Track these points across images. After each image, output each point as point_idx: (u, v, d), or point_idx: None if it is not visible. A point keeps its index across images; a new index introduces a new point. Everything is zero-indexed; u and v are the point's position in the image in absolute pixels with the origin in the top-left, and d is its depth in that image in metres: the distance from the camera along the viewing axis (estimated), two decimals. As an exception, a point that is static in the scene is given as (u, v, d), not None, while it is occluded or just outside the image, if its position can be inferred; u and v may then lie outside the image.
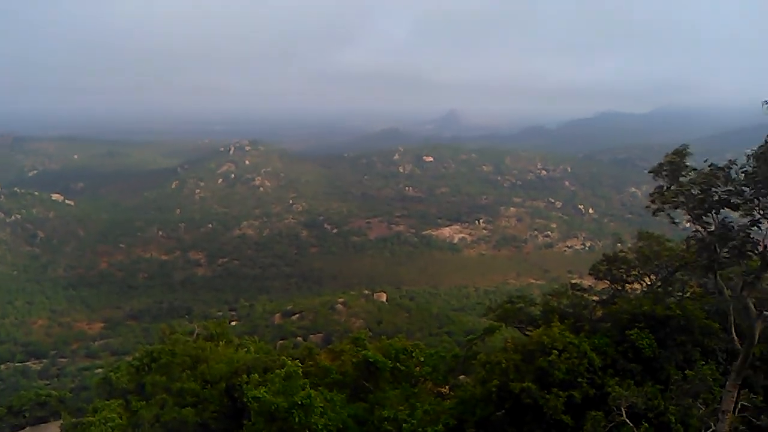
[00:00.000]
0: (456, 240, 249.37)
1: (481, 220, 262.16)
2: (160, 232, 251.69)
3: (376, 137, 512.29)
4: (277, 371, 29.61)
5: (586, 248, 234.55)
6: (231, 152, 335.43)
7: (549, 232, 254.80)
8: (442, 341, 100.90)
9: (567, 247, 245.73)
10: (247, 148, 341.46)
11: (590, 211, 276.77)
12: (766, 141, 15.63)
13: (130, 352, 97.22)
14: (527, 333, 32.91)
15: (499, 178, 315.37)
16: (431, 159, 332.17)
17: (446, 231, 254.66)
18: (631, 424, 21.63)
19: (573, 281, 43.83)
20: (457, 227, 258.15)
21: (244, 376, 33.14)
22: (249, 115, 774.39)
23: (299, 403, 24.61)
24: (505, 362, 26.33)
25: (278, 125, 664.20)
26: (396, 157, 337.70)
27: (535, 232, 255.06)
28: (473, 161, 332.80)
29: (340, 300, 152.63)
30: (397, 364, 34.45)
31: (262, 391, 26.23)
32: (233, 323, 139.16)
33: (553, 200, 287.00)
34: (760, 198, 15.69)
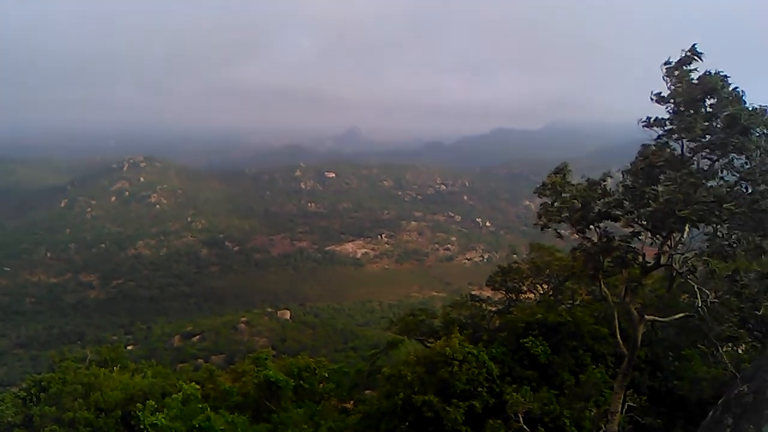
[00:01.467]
0: (359, 255, 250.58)
1: (383, 235, 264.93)
2: (49, 254, 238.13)
3: (278, 153, 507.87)
4: (175, 395, 28.69)
5: (485, 260, 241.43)
6: (125, 169, 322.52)
7: (449, 245, 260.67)
8: (348, 357, 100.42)
9: (466, 259, 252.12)
10: (143, 164, 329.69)
11: (488, 224, 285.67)
12: (637, 157, 16.82)
13: (16, 383, 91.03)
14: (428, 345, 33.47)
15: (400, 192, 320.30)
16: (333, 175, 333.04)
17: (349, 246, 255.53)
18: (528, 430, 22.42)
19: (472, 292, 45.09)
20: (360, 242, 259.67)
21: (140, 403, 31.88)
22: (144, 131, 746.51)
23: (198, 426, 23.96)
24: (410, 375, 26.63)
25: (175, 141, 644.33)
26: (298, 173, 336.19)
27: (436, 246, 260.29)
28: (375, 177, 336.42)
29: (243, 319, 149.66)
30: (301, 382, 34.20)
31: (159, 417, 25.34)
32: (129, 347, 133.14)
33: (452, 214, 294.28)
34: (639, 210, 16.79)
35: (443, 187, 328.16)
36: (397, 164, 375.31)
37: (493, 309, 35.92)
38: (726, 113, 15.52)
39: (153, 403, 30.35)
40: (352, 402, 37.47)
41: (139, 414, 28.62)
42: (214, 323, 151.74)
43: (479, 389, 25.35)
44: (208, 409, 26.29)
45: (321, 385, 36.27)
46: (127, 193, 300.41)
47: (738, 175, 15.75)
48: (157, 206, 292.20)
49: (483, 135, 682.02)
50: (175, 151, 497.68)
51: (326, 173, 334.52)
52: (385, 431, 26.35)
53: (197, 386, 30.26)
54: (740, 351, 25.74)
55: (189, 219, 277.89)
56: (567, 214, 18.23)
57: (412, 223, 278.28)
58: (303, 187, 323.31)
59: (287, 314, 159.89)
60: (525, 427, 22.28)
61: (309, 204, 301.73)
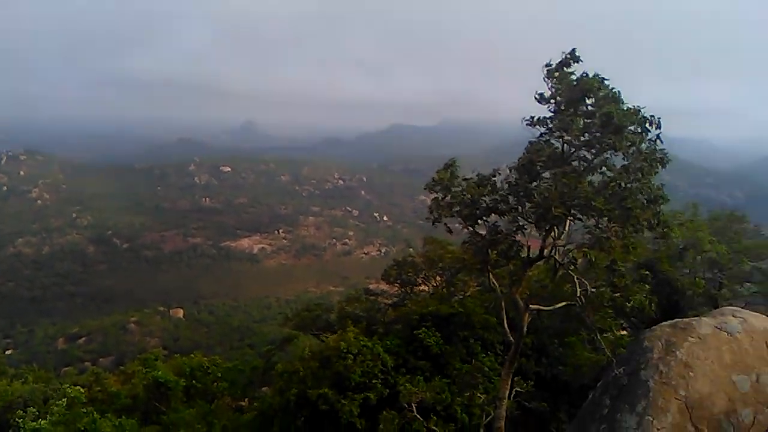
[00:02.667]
0: (256, 250, 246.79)
1: (280, 230, 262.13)
2: None
3: (170, 147, 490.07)
4: (59, 401, 27.33)
5: (382, 254, 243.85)
6: (3, 162, 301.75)
7: (347, 240, 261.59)
8: (244, 354, 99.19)
9: (364, 253, 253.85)
10: (23, 157, 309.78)
11: (385, 218, 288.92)
12: (524, 154, 17.59)
13: None
14: (324, 339, 33.61)
15: (297, 187, 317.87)
16: (229, 169, 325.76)
17: (246, 242, 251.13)
18: (421, 419, 22.98)
19: (369, 286, 45.58)
20: (257, 238, 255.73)
21: (20, 410, 30.09)
22: (24, 123, 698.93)
23: (83, 430, 22.97)
24: (303, 370, 26.68)
25: (59, 134, 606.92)
26: (192, 167, 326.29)
27: (334, 240, 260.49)
28: (272, 171, 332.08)
29: (133, 319, 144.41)
30: (193, 381, 33.47)
31: (41, 423, 24.08)
32: (8, 352, 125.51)
33: (350, 209, 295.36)
34: (522, 206, 17.57)
35: (341, 182, 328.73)
36: (294, 159, 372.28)
37: (388, 302, 36.53)
38: (602, 112, 16.45)
39: (34, 409, 28.75)
40: (247, 400, 37.06)
41: (19, 421, 27.05)
42: (101, 324, 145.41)
43: (374, 381, 25.76)
44: (94, 412, 25.20)
45: (214, 384, 35.58)
46: (5, 187, 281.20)
47: (612, 172, 16.75)
48: (39, 202, 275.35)
49: (380, 131, 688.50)
50: (59, 145, 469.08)
51: (221, 168, 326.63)
52: (280, 428, 26.25)
53: (82, 390, 28.92)
54: (617, 336, 27.51)
55: (74, 215, 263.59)
56: (457, 209, 18.76)
57: (310, 218, 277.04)
58: (197, 181, 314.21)
59: (180, 313, 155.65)
60: (418, 416, 22.84)
61: (203, 199, 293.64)
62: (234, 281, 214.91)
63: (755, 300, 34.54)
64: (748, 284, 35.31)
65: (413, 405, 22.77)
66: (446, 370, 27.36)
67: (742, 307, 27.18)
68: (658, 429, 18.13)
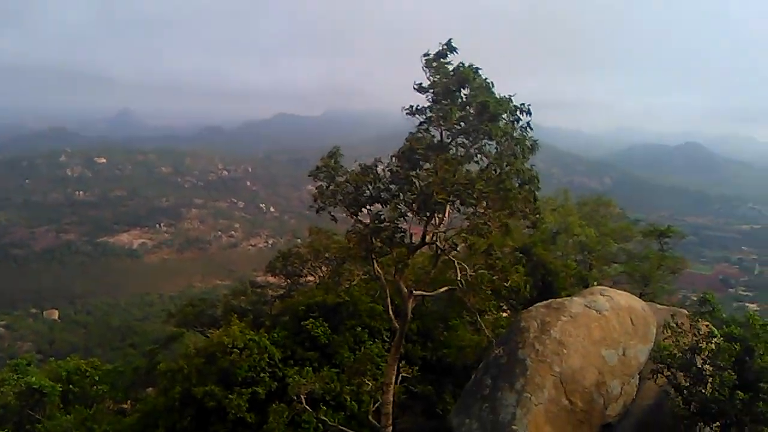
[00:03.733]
0: (136, 246, 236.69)
1: (162, 224, 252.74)
2: None
3: (39, 137, 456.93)
4: None
5: (270, 245, 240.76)
6: None
7: (233, 232, 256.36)
8: (126, 355, 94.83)
9: (251, 245, 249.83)
10: None
11: (272, 209, 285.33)
12: (405, 142, 17.85)
13: None
14: (209, 335, 32.80)
15: (179, 179, 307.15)
16: (104, 161, 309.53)
17: (125, 237, 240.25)
18: (310, 410, 22.96)
19: (257, 279, 44.92)
20: (137, 232, 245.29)
21: None
22: None
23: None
24: (187, 368, 25.93)
25: None
26: (63, 158, 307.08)
27: (219, 233, 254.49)
28: (151, 162, 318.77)
29: (2, 323, 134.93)
30: (70, 386, 31.69)
31: None
32: None
33: (235, 200, 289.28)
34: (404, 194, 17.84)
35: (225, 172, 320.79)
36: (175, 149, 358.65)
37: (275, 294, 36.13)
38: (477, 101, 16.97)
39: None
40: (129, 402, 35.56)
41: None
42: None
43: (262, 375, 25.44)
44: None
45: (94, 387, 33.86)
46: None
47: (488, 159, 17.36)
48: None
49: (265, 120, 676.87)
50: None
51: (96, 159, 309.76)
52: (165, 429, 25.37)
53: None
54: (497, 317, 28.66)
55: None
56: (341, 197, 18.80)
57: (193, 210, 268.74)
58: (69, 174, 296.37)
59: (55, 314, 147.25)
60: (307, 407, 22.79)
61: (77, 192, 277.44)
62: (113, 279, 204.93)
63: (621, 279, 37.09)
64: (615, 264, 37.82)
65: (302, 396, 22.69)
66: (335, 359, 27.44)
67: (610, 286, 29.11)
68: (535, 404, 19.10)
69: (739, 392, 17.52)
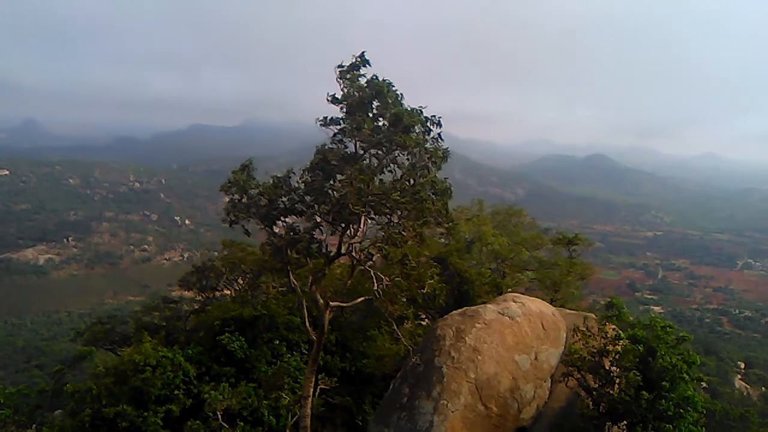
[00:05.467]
0: (42, 262, 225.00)
1: (70, 238, 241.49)
2: None
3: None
4: None
5: (185, 259, 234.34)
6: None
7: (146, 246, 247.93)
8: (32, 376, 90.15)
9: (165, 259, 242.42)
10: None
11: (187, 222, 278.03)
12: (315, 154, 17.83)
13: None
14: (120, 353, 31.60)
15: (88, 191, 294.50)
16: (6, 172, 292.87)
17: (29, 252, 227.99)
18: (227, 426, 22.49)
19: (172, 293, 43.66)
20: (43, 247, 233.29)
21: None
22: None
23: None
24: (96, 388, 24.89)
25: None
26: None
27: (132, 247, 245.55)
28: (58, 174, 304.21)
29: None
30: (-34, 414, 29.69)
31: None
32: None
33: (148, 213, 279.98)
34: (319, 205, 17.81)
35: (137, 184, 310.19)
36: (84, 161, 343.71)
37: (190, 309, 35.21)
38: (391, 113, 17.17)
39: None
40: (34, 426, 33.65)
41: None
42: None
43: (176, 392, 24.74)
44: None
45: (-5, 412, 31.85)
46: None
47: (401, 170, 17.56)
48: None
49: (180, 131, 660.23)
50: None
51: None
52: (74, 452, 24.26)
53: None
54: (415, 326, 28.97)
55: None
56: (254, 210, 18.57)
57: (104, 223, 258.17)
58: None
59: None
60: (224, 423, 22.33)
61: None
62: (17, 296, 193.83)
63: (533, 286, 38.22)
64: (527, 272, 38.93)
65: (219, 413, 22.25)
66: (252, 374, 26.99)
67: (522, 293, 29.96)
68: (452, 411, 19.38)
69: (643, 392, 18.39)
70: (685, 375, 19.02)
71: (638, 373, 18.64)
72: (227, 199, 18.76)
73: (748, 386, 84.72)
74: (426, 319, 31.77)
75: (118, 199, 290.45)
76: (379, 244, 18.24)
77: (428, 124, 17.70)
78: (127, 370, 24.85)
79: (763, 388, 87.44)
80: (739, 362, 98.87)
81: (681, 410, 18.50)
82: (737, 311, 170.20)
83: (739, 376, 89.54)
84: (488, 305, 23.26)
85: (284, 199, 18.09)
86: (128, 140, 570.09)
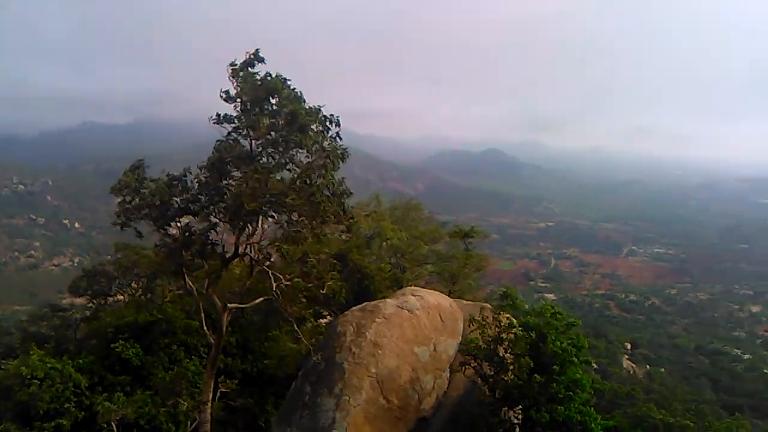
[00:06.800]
0: None
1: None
2: None
3: None
4: None
5: (75, 264, 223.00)
6: None
7: (33, 252, 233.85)
8: None
9: (54, 265, 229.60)
10: None
11: (77, 225, 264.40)
12: (213, 152, 17.46)
13: None
14: (3, 367, 29.74)
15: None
16: None
17: None
18: (121, 437, 21.72)
19: (63, 301, 41.55)
20: None
21: None
22: None
23: None
24: (-23, 406, 23.34)
25: None
26: None
27: (16, 253, 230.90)
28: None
29: None
30: None
31: None
32: None
33: (34, 216, 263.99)
34: (214, 205, 17.44)
35: (21, 186, 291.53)
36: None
37: (81, 316, 33.58)
38: (287, 111, 17.03)
39: None
40: None
41: None
42: None
43: (66, 405, 23.60)
44: None
45: None
46: None
47: (299, 169, 17.47)
48: None
49: (69, 129, 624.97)
50: None
51: None
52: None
53: None
54: (315, 324, 28.94)
55: None
56: (147, 211, 17.97)
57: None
58: None
59: None
60: (120, 434, 21.57)
61: None
62: None
63: (433, 278, 39.04)
64: (426, 265, 39.71)
65: (113, 423, 21.47)
66: (148, 381, 26.15)
67: (423, 286, 30.58)
68: (354, 406, 19.52)
69: (536, 376, 19.24)
70: (574, 358, 20.07)
71: (530, 359, 19.46)
72: (118, 201, 18.01)
73: (634, 365, 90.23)
74: (328, 316, 31.78)
75: (0, 203, 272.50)
76: (278, 243, 18.09)
77: (327, 123, 17.68)
78: (12, 385, 23.44)
79: (647, 366, 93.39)
80: (626, 343, 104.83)
81: (571, 392, 19.52)
82: (623, 296, 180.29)
83: (627, 357, 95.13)
84: (388, 300, 23.58)
85: (178, 199, 17.57)
86: (12, 139, 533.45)
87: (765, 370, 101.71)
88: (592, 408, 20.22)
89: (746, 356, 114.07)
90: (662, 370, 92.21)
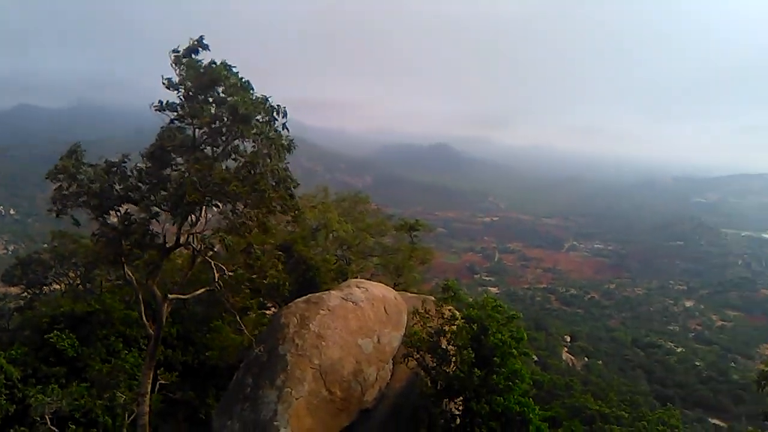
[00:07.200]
0: None
1: None
2: None
3: None
4: None
5: (10, 252, 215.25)
6: None
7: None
8: None
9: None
10: None
11: (11, 211, 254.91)
12: (155, 140, 17.06)
13: None
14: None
15: None
16: None
17: None
18: (57, 430, 21.09)
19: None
20: None
21: None
22: None
23: None
24: None
25: None
26: None
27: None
28: None
29: None
30: None
31: None
32: None
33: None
34: (155, 194, 17.04)
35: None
36: None
37: (14, 306, 32.47)
38: (228, 104, 16.75)
39: None
40: None
41: None
42: None
43: (-1, 398, 22.79)
44: None
45: None
46: None
47: (243, 159, 17.22)
48: None
49: (3, 111, 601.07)
50: None
51: None
52: None
53: None
54: (258, 315, 28.69)
55: None
56: (85, 198, 17.45)
57: None
58: None
59: None
60: (53, 428, 20.97)
61: None
62: None
63: (378, 271, 39.16)
64: (372, 257, 39.80)
65: (47, 416, 20.81)
66: (85, 373, 25.45)
67: (368, 279, 30.64)
68: (296, 398, 19.46)
69: (476, 368, 19.57)
70: (514, 350, 20.51)
71: (472, 351, 19.78)
72: (55, 187, 17.42)
73: (573, 357, 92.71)
74: (273, 308, 31.54)
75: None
76: (221, 234, 17.81)
77: (273, 113, 17.46)
78: (-62, 379, 22.55)
79: (586, 358, 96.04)
80: (565, 336, 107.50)
81: (510, 383, 19.93)
82: (564, 290, 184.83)
83: (566, 349, 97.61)
84: (332, 292, 23.58)
85: (118, 186, 17.08)
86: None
87: (696, 363, 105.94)
88: (531, 399, 20.71)
89: (679, 349, 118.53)
90: (600, 362, 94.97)
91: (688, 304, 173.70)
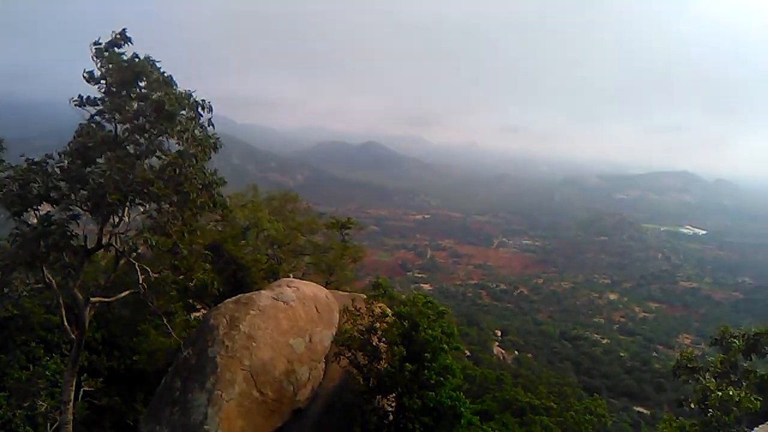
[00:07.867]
0: None
1: None
2: None
3: None
4: None
5: None
6: None
7: None
8: None
9: None
10: None
11: None
12: (74, 137, 16.39)
13: None
14: None
15: None
16: None
17: None
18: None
19: None
20: None
21: None
22: None
23: None
24: None
25: None
26: None
27: None
28: None
29: None
30: None
31: None
32: None
33: None
34: (75, 193, 16.37)
35: None
36: None
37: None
38: (153, 99, 16.27)
39: None
40: None
41: None
42: None
43: None
44: None
45: None
46: None
47: (167, 158, 16.73)
48: None
49: None
50: None
51: None
52: None
53: None
54: (185, 318, 28.07)
55: None
56: (2, 196, 16.62)
57: None
58: None
59: None
60: (-33, 441, 19.95)
61: None
62: None
63: (310, 270, 39.01)
64: (304, 256, 39.61)
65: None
66: (3, 381, 24.28)
67: (299, 278, 30.45)
68: (227, 401, 19.14)
69: (407, 364, 19.73)
70: (445, 345, 20.79)
71: (403, 347, 19.95)
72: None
73: (504, 351, 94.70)
74: (202, 310, 30.93)
75: None
76: (145, 235, 17.27)
77: (198, 108, 17.06)
78: None
79: (516, 352, 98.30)
80: (496, 330, 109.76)
81: (442, 378, 20.21)
82: (494, 285, 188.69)
83: (497, 343, 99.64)
84: (263, 291, 23.34)
85: (36, 185, 16.31)
86: None
87: (620, 354, 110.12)
88: (462, 393, 21.05)
89: (604, 341, 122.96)
90: (529, 355, 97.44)
91: (612, 296, 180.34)
